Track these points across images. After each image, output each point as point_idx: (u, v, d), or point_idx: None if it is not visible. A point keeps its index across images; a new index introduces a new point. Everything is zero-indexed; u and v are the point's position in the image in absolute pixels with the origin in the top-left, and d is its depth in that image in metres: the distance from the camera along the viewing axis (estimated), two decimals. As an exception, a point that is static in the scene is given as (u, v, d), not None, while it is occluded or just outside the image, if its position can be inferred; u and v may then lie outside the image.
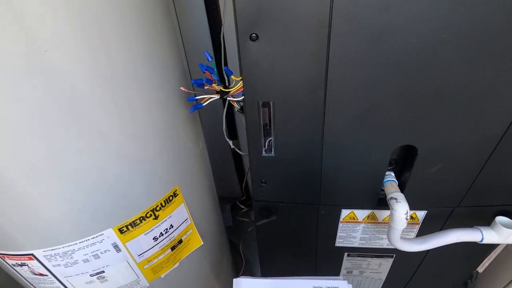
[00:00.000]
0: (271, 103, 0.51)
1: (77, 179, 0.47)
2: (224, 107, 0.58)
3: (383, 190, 0.61)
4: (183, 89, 0.51)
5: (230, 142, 0.76)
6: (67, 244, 0.50)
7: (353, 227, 0.71)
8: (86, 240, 0.51)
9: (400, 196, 0.57)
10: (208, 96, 0.51)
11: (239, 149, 0.86)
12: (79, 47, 0.39)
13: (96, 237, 0.51)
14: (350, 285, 0.52)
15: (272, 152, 0.58)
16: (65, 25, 0.37)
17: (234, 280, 0.53)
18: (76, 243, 0.51)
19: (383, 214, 0.68)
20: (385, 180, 0.61)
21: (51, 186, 0.46)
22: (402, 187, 0.60)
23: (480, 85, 0.45)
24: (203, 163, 0.75)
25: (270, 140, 0.57)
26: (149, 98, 0.50)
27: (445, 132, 0.51)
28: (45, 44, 0.36)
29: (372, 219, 0.69)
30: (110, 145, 0.48)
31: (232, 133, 0.97)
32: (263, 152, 0.59)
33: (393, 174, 0.62)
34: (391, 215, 0.56)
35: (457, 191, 0.61)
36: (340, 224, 0.71)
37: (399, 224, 0.55)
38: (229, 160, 1.02)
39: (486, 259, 0.85)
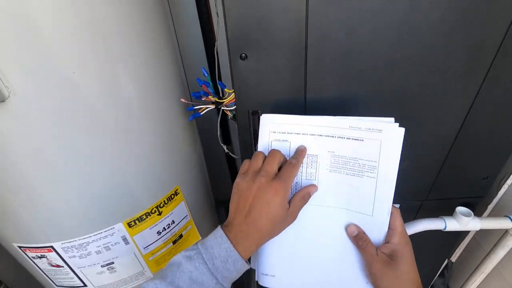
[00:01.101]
0: (259, 111, 0.60)
1: (92, 180, 0.54)
2: (218, 115, 0.66)
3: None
4: (183, 100, 0.59)
5: (225, 147, 0.84)
6: (83, 237, 0.57)
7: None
8: (99, 233, 0.58)
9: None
10: (205, 106, 0.59)
11: (233, 153, 0.94)
12: (98, 70, 0.47)
13: (108, 230, 0.58)
14: (396, 124, 0.42)
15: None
16: (89, 53, 0.45)
17: (263, 115, 0.47)
18: (90, 236, 0.58)
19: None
20: (361, 177, 0.69)
21: (68, 186, 0.53)
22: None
23: (431, 92, 0.54)
24: (200, 166, 0.83)
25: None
26: (153, 111, 0.58)
27: (408, 133, 0.59)
28: (72, 68, 0.44)
29: None
30: (121, 151, 0.55)
31: (226, 138, 1.04)
32: (254, 154, 0.67)
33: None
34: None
35: (424, 186, 0.70)
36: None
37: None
38: (223, 164, 1.09)
39: (457, 249, 0.93)
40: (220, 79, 0.65)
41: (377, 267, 0.43)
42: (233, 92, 0.58)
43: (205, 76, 0.58)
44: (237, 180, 0.45)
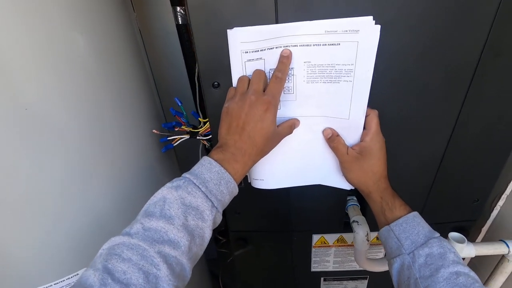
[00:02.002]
0: (236, 140, 0.57)
1: (60, 219, 0.49)
2: (199, 145, 0.63)
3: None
4: (155, 132, 0.56)
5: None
6: (43, 286, 0.51)
7: (325, 251, 0.75)
8: (61, 281, 0.52)
9: (361, 219, 0.61)
10: (179, 136, 0.56)
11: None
12: (66, 102, 0.44)
13: (72, 277, 0.53)
14: (373, 21, 0.41)
15: (242, 184, 0.63)
16: (55, 83, 0.43)
17: (229, 31, 0.44)
18: (51, 285, 0.52)
19: (351, 237, 0.72)
20: (348, 205, 0.66)
21: (32, 226, 0.48)
22: (364, 210, 0.65)
23: (411, 116, 0.53)
24: None
25: (240, 173, 0.62)
26: (127, 143, 0.55)
27: (392, 156, 0.57)
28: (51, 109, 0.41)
29: (342, 242, 0.73)
30: (91, 186, 0.51)
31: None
32: (234, 185, 0.63)
33: (355, 199, 0.67)
34: (354, 238, 0.61)
35: (414, 208, 0.67)
36: (313, 249, 0.74)
37: (362, 245, 0.60)
38: None
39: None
40: (203, 103, 0.63)
41: (347, 162, 0.50)
42: (207, 121, 0.55)
43: (178, 105, 0.55)
44: (226, 104, 0.45)
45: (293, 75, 0.47)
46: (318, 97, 0.48)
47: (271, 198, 0.64)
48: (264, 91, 0.45)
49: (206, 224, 0.39)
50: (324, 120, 0.50)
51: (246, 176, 0.60)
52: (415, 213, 0.46)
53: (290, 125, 0.49)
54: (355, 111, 0.48)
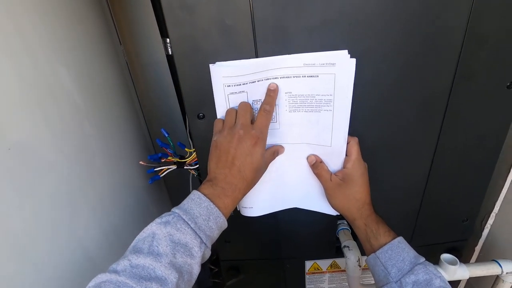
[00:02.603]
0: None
1: (44, 255, 0.48)
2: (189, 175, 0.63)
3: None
4: (142, 163, 0.56)
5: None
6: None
7: (319, 278, 0.73)
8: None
9: (352, 244, 0.61)
10: (166, 167, 0.57)
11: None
12: (66, 142, 0.45)
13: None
14: (348, 55, 0.43)
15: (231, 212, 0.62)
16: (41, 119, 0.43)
17: (211, 67, 0.45)
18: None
19: (344, 262, 0.71)
20: (338, 229, 0.66)
21: (15, 263, 0.46)
22: (356, 235, 0.65)
23: (392, 143, 0.54)
24: None
25: (229, 200, 0.62)
26: (113, 175, 0.55)
27: (378, 182, 0.58)
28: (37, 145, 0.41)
29: (335, 268, 0.72)
30: (79, 217, 0.50)
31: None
32: (223, 213, 0.63)
33: (345, 223, 0.67)
34: (345, 263, 0.60)
35: (405, 233, 0.66)
36: (307, 276, 0.73)
37: (354, 271, 0.59)
38: None
39: (454, 296, 0.87)
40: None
41: (330, 188, 0.50)
42: (194, 151, 0.56)
43: (165, 137, 0.56)
44: (215, 138, 0.46)
45: (275, 104, 0.48)
46: (301, 125, 0.50)
47: (261, 226, 0.64)
48: (252, 123, 0.46)
49: (194, 260, 0.39)
50: (308, 147, 0.51)
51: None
52: (400, 239, 0.46)
53: (273, 152, 0.50)
54: (336, 139, 0.49)
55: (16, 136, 0.41)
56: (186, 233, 0.38)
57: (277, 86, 0.46)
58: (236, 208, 0.59)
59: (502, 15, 0.44)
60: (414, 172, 0.57)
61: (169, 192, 0.80)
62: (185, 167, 0.58)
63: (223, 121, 0.47)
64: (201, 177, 0.60)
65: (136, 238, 0.39)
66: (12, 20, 0.38)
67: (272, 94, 0.46)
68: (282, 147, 0.51)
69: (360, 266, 0.59)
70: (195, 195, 0.42)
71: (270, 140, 0.51)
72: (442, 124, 0.52)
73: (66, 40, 0.46)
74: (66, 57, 0.46)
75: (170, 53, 0.80)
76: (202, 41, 0.45)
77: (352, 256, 0.59)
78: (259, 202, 0.56)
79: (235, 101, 0.48)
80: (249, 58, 0.46)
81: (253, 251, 0.69)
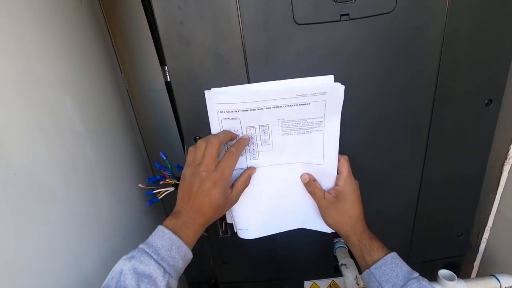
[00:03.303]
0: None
1: (44, 281, 0.48)
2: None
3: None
4: (141, 186, 0.58)
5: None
6: None
7: (319, 299, 0.72)
8: None
9: (349, 261, 0.61)
10: (164, 189, 0.58)
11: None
12: (67, 167, 0.47)
13: None
14: (338, 83, 0.45)
15: (229, 233, 0.63)
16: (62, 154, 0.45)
17: (206, 94, 0.47)
18: None
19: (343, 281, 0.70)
20: (335, 247, 0.66)
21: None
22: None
23: (383, 162, 0.56)
24: None
25: (225, 221, 0.63)
26: (114, 198, 0.56)
27: (371, 200, 0.59)
28: (39, 170, 0.43)
29: (335, 287, 0.71)
30: (79, 241, 0.51)
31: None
32: (220, 234, 0.64)
33: (342, 240, 0.67)
34: (344, 282, 0.60)
35: (401, 250, 0.66)
36: (306, 297, 0.72)
37: (352, 290, 0.59)
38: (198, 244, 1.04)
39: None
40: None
41: (324, 206, 0.52)
42: (191, 173, 0.57)
43: (163, 159, 0.58)
44: (184, 171, 0.49)
45: (269, 129, 0.50)
46: (294, 146, 0.52)
47: (259, 247, 0.64)
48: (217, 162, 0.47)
49: None
50: (301, 166, 0.53)
51: (232, 225, 0.61)
52: (393, 254, 0.47)
53: (245, 180, 0.51)
54: (328, 157, 0.51)
55: (20, 162, 0.43)
56: (149, 264, 0.41)
57: (249, 138, 0.50)
58: (233, 229, 0.60)
59: (472, 39, 0.48)
60: (405, 190, 0.59)
61: (167, 214, 0.81)
62: (183, 189, 0.59)
63: (194, 150, 0.48)
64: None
65: (106, 278, 0.42)
66: (23, 53, 0.41)
67: (243, 141, 0.49)
68: (253, 168, 0.52)
69: (358, 284, 0.59)
70: (159, 229, 0.45)
71: (264, 161, 0.53)
72: (427, 144, 0.55)
73: (71, 70, 0.49)
74: (70, 86, 0.49)
75: (168, 80, 0.85)
76: (198, 69, 0.49)
77: (349, 274, 0.59)
78: (255, 225, 0.57)
79: (228, 127, 0.50)
80: (242, 84, 0.49)
81: (252, 272, 0.69)
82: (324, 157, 0.51)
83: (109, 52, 0.66)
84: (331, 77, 0.47)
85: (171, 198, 0.67)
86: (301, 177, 0.54)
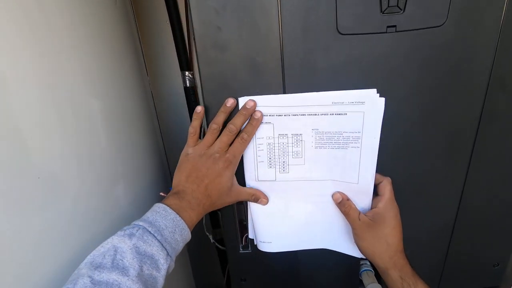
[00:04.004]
0: (244, 203, 0.56)
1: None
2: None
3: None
4: (162, 194, 0.55)
5: (210, 237, 0.77)
6: None
7: (340, 324, 0.68)
8: None
9: (376, 287, 0.57)
10: (186, 199, 0.56)
11: (221, 243, 0.86)
12: (91, 172, 0.45)
13: None
14: (377, 94, 0.43)
15: (249, 249, 0.60)
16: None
17: (240, 99, 0.46)
18: None
19: (367, 306, 0.66)
20: (361, 270, 0.62)
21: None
22: (380, 276, 0.61)
23: (421, 182, 0.53)
24: (180, 260, 0.75)
25: (247, 235, 0.60)
26: (135, 207, 0.54)
27: (404, 223, 0.56)
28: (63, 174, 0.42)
29: (357, 313, 0.67)
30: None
31: (215, 222, 0.99)
32: (241, 249, 0.60)
33: (368, 263, 0.63)
34: (370, 309, 0.56)
35: (432, 277, 0.63)
36: (327, 321, 0.68)
37: (380, 318, 0.55)
38: (207, 249, 1.02)
39: None
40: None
41: (359, 229, 0.48)
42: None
43: (186, 168, 0.56)
44: (189, 151, 0.47)
45: (301, 140, 0.48)
46: (327, 161, 0.49)
47: (279, 265, 0.61)
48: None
49: (160, 273, 0.38)
50: (333, 184, 0.50)
51: (253, 240, 0.58)
52: None
53: (252, 194, 0.50)
54: (364, 176, 0.48)
55: (45, 165, 0.41)
56: (153, 244, 0.38)
57: (261, 115, 0.46)
58: (253, 243, 0.57)
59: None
60: (441, 213, 0.55)
61: None
62: (205, 200, 0.57)
63: (197, 132, 0.48)
64: (219, 210, 0.59)
65: (91, 254, 0.37)
66: (53, 50, 0.40)
67: (254, 123, 0.46)
68: (264, 197, 0.51)
69: (386, 313, 0.55)
70: (159, 207, 0.42)
71: (294, 176, 0.50)
72: (469, 165, 0.51)
73: (99, 68, 0.48)
74: (96, 87, 0.47)
75: (187, 86, 0.83)
76: (231, 77, 0.47)
77: (377, 301, 0.55)
78: (279, 238, 0.54)
79: (261, 132, 0.48)
80: (277, 94, 0.46)
81: (270, 291, 0.66)
82: (360, 175, 0.48)
83: (137, 54, 0.65)
84: (374, 90, 0.44)
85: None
86: (332, 196, 0.51)
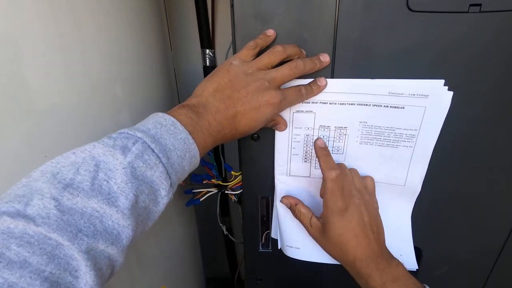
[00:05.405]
0: (269, 198, 0.50)
1: None
2: (218, 196, 0.57)
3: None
4: (181, 183, 0.50)
5: (224, 228, 0.73)
6: None
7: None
8: None
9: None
10: (206, 190, 0.51)
11: (232, 234, 0.82)
12: None
13: None
14: (445, 87, 0.36)
15: (270, 247, 0.55)
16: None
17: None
18: None
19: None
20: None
21: None
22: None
23: (473, 194, 0.46)
24: (192, 246, 0.71)
25: (268, 233, 0.55)
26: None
27: (445, 236, 0.49)
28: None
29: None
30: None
31: (225, 209, 0.95)
32: (260, 247, 0.55)
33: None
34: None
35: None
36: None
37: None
38: (218, 239, 0.98)
39: None
40: (224, 159, 0.57)
41: (313, 236, 0.43)
42: (240, 175, 0.49)
43: (209, 155, 0.50)
44: (235, 62, 0.36)
45: (345, 134, 0.42)
46: (370, 160, 0.43)
47: (300, 268, 0.56)
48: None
49: (157, 208, 0.28)
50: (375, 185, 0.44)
51: (276, 240, 0.53)
52: None
53: (270, 120, 0.40)
54: (412, 178, 0.43)
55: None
56: (157, 169, 0.27)
57: (326, 83, 0.38)
58: (275, 242, 0.52)
59: None
60: (489, 232, 0.49)
61: (198, 220, 0.74)
62: (226, 192, 0.51)
63: (257, 49, 0.37)
64: (240, 204, 0.53)
65: (53, 161, 0.24)
66: (72, 22, 0.34)
67: (316, 91, 0.39)
68: (285, 124, 0.41)
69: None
70: (166, 119, 0.30)
71: None
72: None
73: (123, 40, 0.42)
74: (120, 57, 0.42)
75: (207, 65, 0.77)
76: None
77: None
78: (309, 245, 0.48)
79: (299, 121, 0.42)
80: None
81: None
82: (408, 177, 0.42)
83: (163, 28, 0.58)
84: (441, 81, 0.37)
85: (210, 201, 0.59)
86: (281, 200, 0.45)
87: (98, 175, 0.24)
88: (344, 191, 0.39)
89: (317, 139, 0.41)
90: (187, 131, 0.30)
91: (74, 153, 0.25)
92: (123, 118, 0.42)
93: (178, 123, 0.30)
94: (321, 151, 0.40)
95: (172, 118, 0.30)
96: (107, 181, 0.24)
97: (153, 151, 0.27)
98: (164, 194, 0.28)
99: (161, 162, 0.27)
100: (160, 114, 0.31)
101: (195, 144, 0.31)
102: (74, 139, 0.35)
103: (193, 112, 0.32)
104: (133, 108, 0.44)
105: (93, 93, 0.38)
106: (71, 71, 0.35)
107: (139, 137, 0.27)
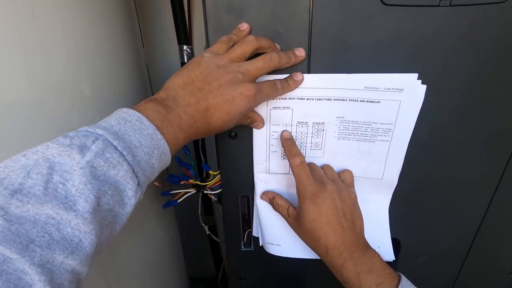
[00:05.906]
0: (250, 196, 0.50)
1: None
2: (199, 197, 0.55)
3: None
4: (156, 184, 0.48)
5: (206, 228, 0.72)
6: None
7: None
8: None
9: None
10: (184, 191, 0.49)
11: (215, 234, 0.81)
12: None
13: None
14: (419, 80, 0.36)
15: (252, 246, 0.54)
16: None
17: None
18: None
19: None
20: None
21: None
22: None
23: (448, 181, 0.47)
24: (173, 247, 0.69)
25: (250, 232, 0.54)
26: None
27: (423, 225, 0.51)
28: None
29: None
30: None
31: (208, 208, 0.94)
32: (242, 246, 0.55)
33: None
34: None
35: (446, 284, 0.59)
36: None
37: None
38: (201, 239, 0.96)
39: None
40: (205, 158, 0.56)
41: (292, 226, 0.43)
42: (218, 174, 0.48)
43: (186, 154, 0.48)
44: (207, 55, 0.34)
45: (323, 130, 0.42)
46: (348, 155, 0.43)
47: (284, 266, 0.55)
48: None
49: (124, 210, 0.26)
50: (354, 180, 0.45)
51: (257, 239, 0.52)
52: None
53: (248, 117, 0.39)
54: (389, 171, 0.43)
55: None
56: (120, 167, 0.25)
57: (303, 77, 0.38)
58: (256, 240, 0.51)
59: None
60: (466, 218, 0.50)
61: (178, 220, 0.72)
62: (204, 192, 0.50)
63: (230, 44, 0.35)
64: (220, 203, 0.52)
65: (0, 166, 0.22)
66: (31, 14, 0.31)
67: (292, 85, 0.38)
68: (262, 122, 0.40)
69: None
70: (131, 115, 0.28)
71: None
72: (505, 169, 0.46)
73: (90, 33, 0.39)
74: (85, 69, 0.39)
75: (185, 61, 0.75)
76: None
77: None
78: (290, 241, 0.48)
79: (277, 117, 0.41)
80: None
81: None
82: (385, 171, 0.43)
83: (133, 23, 0.55)
84: (415, 75, 0.37)
85: (192, 201, 0.57)
86: (260, 197, 0.46)
87: (52, 178, 0.22)
88: (315, 177, 0.40)
89: (283, 131, 0.41)
90: (154, 126, 0.28)
91: (25, 155, 0.23)
92: (91, 115, 0.40)
93: (144, 118, 0.28)
94: (286, 142, 0.41)
95: (137, 113, 0.28)
96: (64, 184, 0.22)
97: (116, 148, 0.25)
98: (131, 195, 0.26)
99: (126, 160, 0.25)
100: (125, 109, 0.29)
101: (164, 140, 0.29)
102: (39, 138, 0.33)
103: (161, 106, 0.30)
104: (102, 105, 0.41)
105: (59, 90, 0.35)
106: (31, 67, 0.32)
107: (99, 134, 0.25)
